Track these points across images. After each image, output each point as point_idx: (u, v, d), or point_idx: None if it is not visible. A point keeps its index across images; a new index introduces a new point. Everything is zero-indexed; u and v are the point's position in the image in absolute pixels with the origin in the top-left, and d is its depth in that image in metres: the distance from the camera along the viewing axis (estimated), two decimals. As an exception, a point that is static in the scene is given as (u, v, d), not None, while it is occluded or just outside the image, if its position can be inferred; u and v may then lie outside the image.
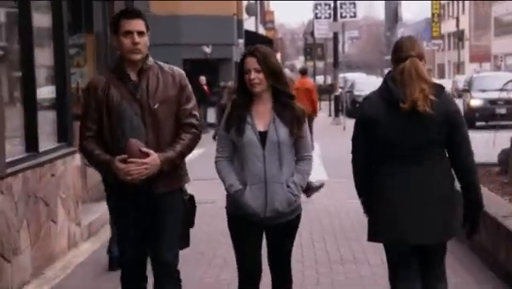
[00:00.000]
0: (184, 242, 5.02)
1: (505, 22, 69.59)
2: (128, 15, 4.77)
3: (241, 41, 34.23)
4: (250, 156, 4.71)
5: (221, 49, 30.10)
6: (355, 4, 32.08)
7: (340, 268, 7.34)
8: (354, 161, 4.74)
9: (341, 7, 32.01)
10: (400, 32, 68.78)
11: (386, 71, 5.47)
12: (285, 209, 4.76)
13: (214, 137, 18.91)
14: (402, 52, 4.58)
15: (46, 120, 8.21)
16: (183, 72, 4.93)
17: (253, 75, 4.73)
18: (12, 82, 7.51)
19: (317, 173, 14.76)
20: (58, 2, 8.36)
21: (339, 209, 10.48)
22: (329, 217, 9.95)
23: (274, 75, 4.75)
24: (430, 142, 4.51)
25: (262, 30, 51.44)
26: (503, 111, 24.56)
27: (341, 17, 32.20)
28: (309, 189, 10.78)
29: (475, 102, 26.42)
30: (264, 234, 4.91)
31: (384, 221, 4.58)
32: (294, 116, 4.76)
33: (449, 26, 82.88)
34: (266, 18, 59.05)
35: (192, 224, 5.06)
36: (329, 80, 51.55)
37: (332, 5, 32.12)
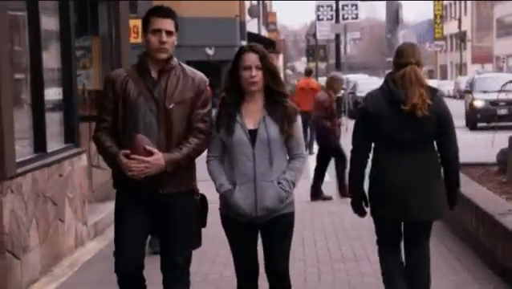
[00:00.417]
0: (197, 243, 4.98)
1: (508, 24, 69.63)
2: (159, 13, 4.72)
3: (244, 43, 34.34)
4: (240, 155, 4.65)
5: (223, 51, 30.20)
6: (357, 6, 32.13)
7: (342, 266, 7.48)
8: (353, 159, 5.40)
9: (343, 9, 32.07)
10: (402, 34, 68.93)
11: (388, 72, 5.87)
12: (277, 207, 4.69)
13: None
14: (403, 58, 5.28)
15: (54, 121, 8.33)
16: (205, 78, 4.90)
17: (254, 72, 4.65)
18: (20, 84, 7.62)
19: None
20: (66, 5, 8.48)
21: (341, 208, 10.60)
22: (330, 217, 10.09)
23: (272, 74, 4.71)
24: (424, 137, 5.25)
25: (264, 32, 51.52)
26: (505, 112, 24.59)
27: (343, 18, 32.23)
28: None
29: (477, 103, 26.38)
30: (260, 237, 4.85)
31: (387, 201, 5.27)
32: (285, 113, 4.69)
33: (451, 28, 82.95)
34: (268, 20, 59.13)
35: (204, 224, 5.01)
36: (331, 81, 51.45)
37: (334, 7, 32.19)
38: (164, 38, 4.68)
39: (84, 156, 8.90)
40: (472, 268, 7.22)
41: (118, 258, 4.84)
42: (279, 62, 56.84)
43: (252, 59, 4.67)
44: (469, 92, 27.82)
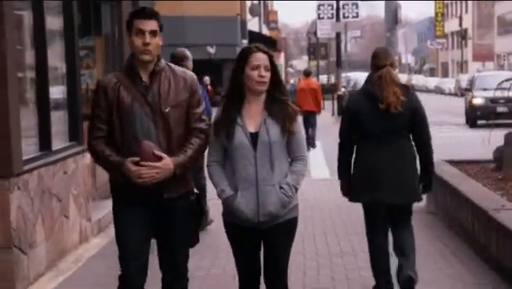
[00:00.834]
0: (195, 241, 4.97)
1: (508, 21, 69.60)
2: (142, 15, 4.66)
3: (245, 41, 34.44)
4: (241, 159, 4.58)
5: (224, 49, 30.35)
6: (357, 5, 32.27)
7: (340, 260, 7.65)
8: (341, 150, 6.15)
9: (343, 8, 32.19)
10: (402, 32, 68.80)
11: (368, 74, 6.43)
12: (280, 212, 4.63)
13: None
14: (380, 60, 6.06)
15: (58, 120, 8.44)
16: (195, 76, 4.85)
17: (263, 71, 4.58)
18: (26, 83, 7.73)
19: (320, 171, 15.12)
20: (69, 5, 8.58)
21: (340, 205, 10.71)
22: (330, 213, 10.24)
23: (277, 78, 4.67)
24: (399, 129, 5.97)
25: (265, 31, 51.64)
26: (504, 109, 24.63)
27: (344, 17, 32.40)
28: None
29: (476, 100, 26.47)
30: (262, 242, 4.80)
31: (366, 186, 5.99)
32: (286, 112, 4.63)
33: (452, 25, 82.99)
34: (269, 18, 59.24)
35: (199, 224, 4.98)
36: (332, 80, 51.68)
37: (335, 5, 32.31)
38: (148, 39, 4.61)
39: (88, 155, 9.02)
40: (467, 262, 7.38)
41: (124, 264, 4.79)
42: (281, 60, 56.87)
43: (262, 59, 4.60)
44: (469, 90, 27.88)
